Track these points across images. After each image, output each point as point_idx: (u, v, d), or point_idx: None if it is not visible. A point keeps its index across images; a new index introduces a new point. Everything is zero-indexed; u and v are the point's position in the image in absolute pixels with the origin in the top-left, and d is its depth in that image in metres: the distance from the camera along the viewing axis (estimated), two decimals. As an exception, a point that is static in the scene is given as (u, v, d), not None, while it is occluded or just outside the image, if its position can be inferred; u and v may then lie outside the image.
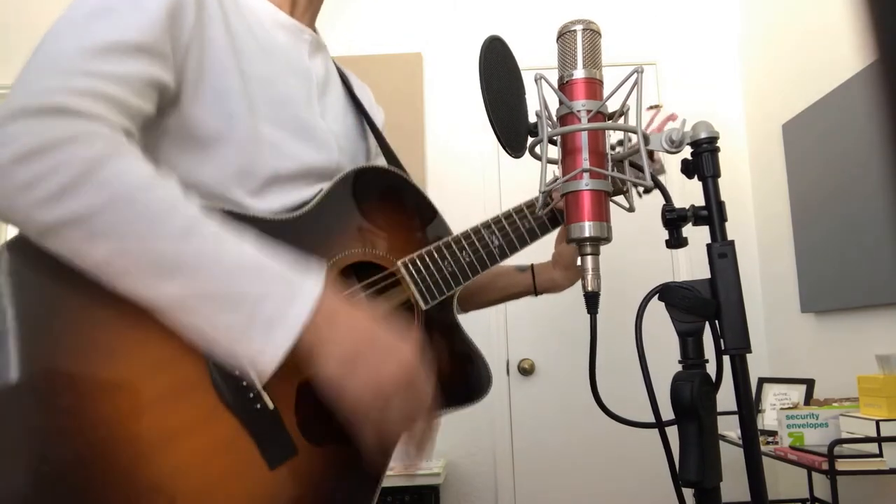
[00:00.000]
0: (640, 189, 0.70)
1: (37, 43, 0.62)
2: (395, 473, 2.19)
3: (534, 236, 0.94)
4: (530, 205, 0.95)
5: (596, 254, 0.66)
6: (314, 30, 0.89)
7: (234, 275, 0.60)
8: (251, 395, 0.65)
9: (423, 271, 0.83)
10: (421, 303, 0.83)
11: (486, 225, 0.91)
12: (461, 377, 0.86)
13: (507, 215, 0.93)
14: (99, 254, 0.57)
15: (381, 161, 0.96)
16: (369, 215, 0.82)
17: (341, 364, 0.62)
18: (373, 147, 0.97)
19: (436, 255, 0.85)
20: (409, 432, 0.66)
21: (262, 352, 0.60)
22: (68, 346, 0.58)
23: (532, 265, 1.05)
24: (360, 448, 0.65)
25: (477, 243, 0.88)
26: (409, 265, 0.83)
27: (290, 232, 0.74)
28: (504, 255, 0.91)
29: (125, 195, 0.58)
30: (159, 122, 0.69)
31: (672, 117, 1.04)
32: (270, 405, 0.66)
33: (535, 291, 1.04)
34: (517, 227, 0.92)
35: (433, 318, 0.84)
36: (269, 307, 0.60)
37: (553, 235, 1.01)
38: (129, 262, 0.58)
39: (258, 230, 0.71)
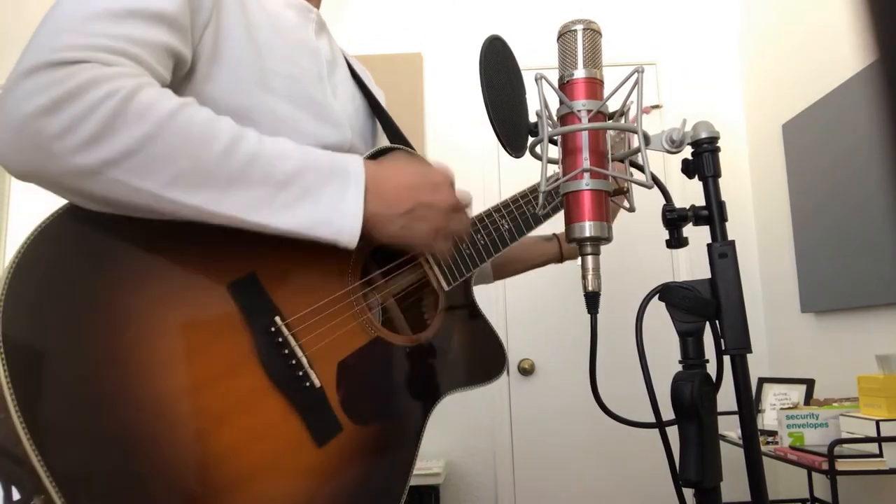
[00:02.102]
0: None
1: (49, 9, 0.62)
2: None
3: (538, 221, 0.97)
4: (534, 189, 0.98)
5: (596, 254, 0.66)
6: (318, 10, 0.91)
7: (289, 172, 0.64)
8: (299, 373, 0.67)
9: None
10: (444, 284, 0.87)
11: (497, 209, 0.94)
12: (480, 356, 0.89)
13: (515, 200, 0.96)
14: (153, 185, 0.58)
15: (384, 140, 0.99)
16: None
17: (402, 230, 0.71)
18: (377, 127, 0.99)
19: (455, 238, 0.87)
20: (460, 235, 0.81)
21: (341, 231, 0.66)
22: (118, 327, 0.58)
23: (556, 235, 1.13)
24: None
25: (490, 226, 0.92)
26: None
27: None
28: (513, 238, 0.94)
29: (163, 121, 0.59)
30: None
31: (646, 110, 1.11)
32: (318, 383, 0.68)
33: (562, 259, 1.11)
34: (524, 211, 0.96)
35: (453, 298, 0.88)
36: (329, 193, 0.66)
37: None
38: (185, 187, 0.59)
39: None
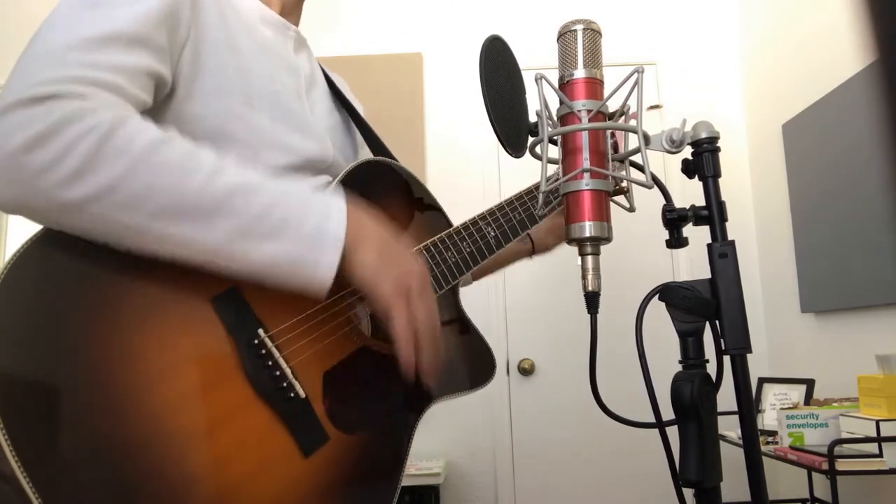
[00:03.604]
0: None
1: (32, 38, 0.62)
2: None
3: (524, 227, 0.99)
4: (520, 197, 1.00)
5: (596, 254, 0.66)
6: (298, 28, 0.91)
7: (268, 204, 0.64)
8: (284, 384, 0.67)
9: (431, 261, 0.87)
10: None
11: (483, 217, 0.95)
12: (469, 363, 0.90)
13: (500, 207, 0.97)
14: (133, 220, 0.58)
15: (365, 153, 1.00)
16: (376, 207, 0.85)
17: (376, 265, 0.68)
18: (358, 139, 1.00)
19: (441, 246, 0.88)
20: (428, 334, 0.71)
21: (316, 269, 0.65)
22: (102, 343, 0.58)
23: (528, 234, 1.14)
24: (395, 342, 0.69)
25: (476, 234, 0.92)
26: (418, 255, 0.86)
27: None
28: (500, 245, 0.95)
29: (143, 156, 0.59)
30: (156, 118, 0.69)
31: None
32: (302, 394, 0.68)
33: (532, 254, 1.15)
34: (510, 218, 0.97)
35: (440, 305, 0.88)
36: (309, 226, 0.64)
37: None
38: (166, 221, 0.59)
39: None
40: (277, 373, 0.67)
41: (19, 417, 0.53)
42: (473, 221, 0.93)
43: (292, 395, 0.67)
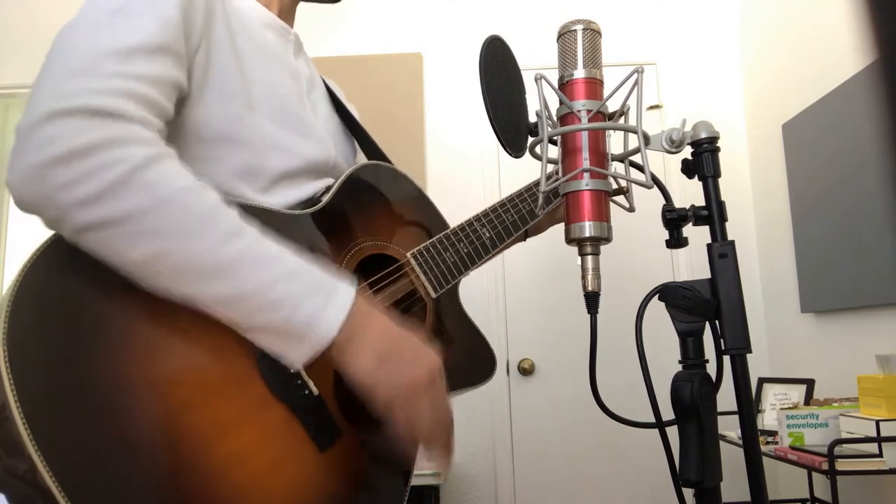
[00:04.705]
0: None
1: (51, 42, 0.62)
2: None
3: (517, 228, 1.01)
4: (512, 199, 1.02)
5: (596, 253, 0.66)
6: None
7: (273, 279, 0.62)
8: (298, 382, 0.68)
9: (431, 262, 0.89)
10: (431, 292, 0.88)
11: (477, 218, 0.97)
12: (469, 360, 0.92)
13: (494, 209, 0.99)
14: (136, 255, 0.58)
15: (360, 156, 1.01)
16: (375, 210, 0.87)
17: (373, 366, 0.65)
18: (355, 144, 1.01)
19: (439, 247, 0.90)
20: (435, 433, 0.68)
21: (287, 355, 0.63)
22: (119, 345, 0.59)
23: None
24: (394, 440, 0.68)
25: (472, 235, 0.95)
26: (418, 256, 0.88)
27: (306, 226, 0.78)
28: (495, 245, 0.97)
29: (167, 198, 0.59)
30: (169, 123, 0.69)
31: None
32: (315, 391, 0.69)
33: (525, 237, 1.14)
34: (503, 220, 0.99)
35: (440, 305, 0.90)
36: (305, 311, 0.62)
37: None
38: (168, 265, 0.59)
39: (275, 224, 0.73)
40: (292, 371, 0.68)
41: (42, 419, 0.53)
42: (469, 223, 0.95)
43: (306, 392, 0.69)
